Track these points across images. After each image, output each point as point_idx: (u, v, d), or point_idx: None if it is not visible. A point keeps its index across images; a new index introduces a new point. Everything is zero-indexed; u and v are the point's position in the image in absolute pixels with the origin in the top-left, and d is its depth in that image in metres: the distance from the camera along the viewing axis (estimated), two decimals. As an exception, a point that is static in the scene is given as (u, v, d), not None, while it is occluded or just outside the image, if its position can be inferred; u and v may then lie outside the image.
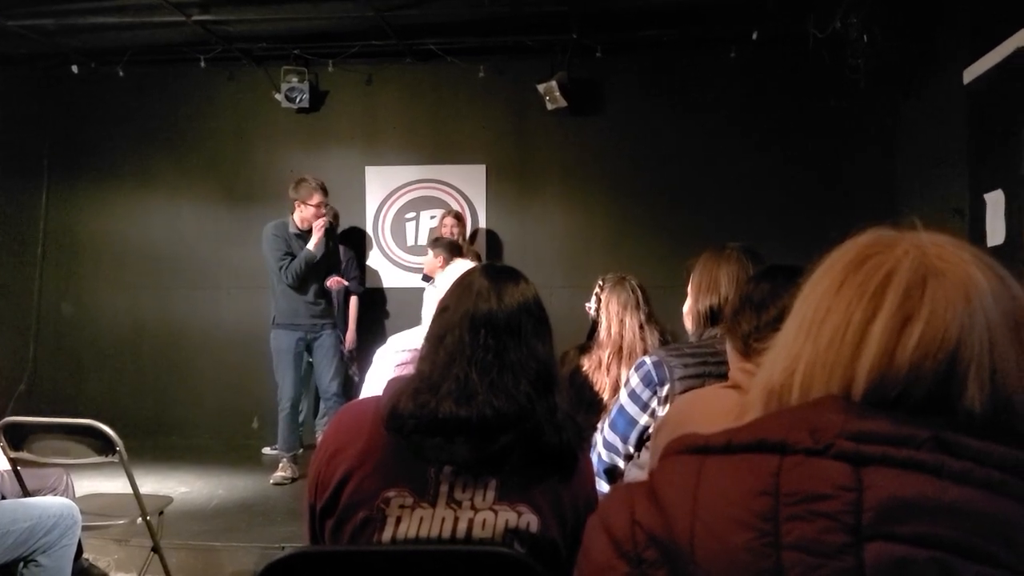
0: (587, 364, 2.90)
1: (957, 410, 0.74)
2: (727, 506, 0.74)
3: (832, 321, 0.80)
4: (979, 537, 0.67)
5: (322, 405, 5.82)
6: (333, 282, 5.55)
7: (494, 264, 1.73)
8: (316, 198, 5.28)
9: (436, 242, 5.78)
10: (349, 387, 5.82)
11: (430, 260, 5.67)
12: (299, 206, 5.30)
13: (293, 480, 5.18)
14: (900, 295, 0.77)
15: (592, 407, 2.78)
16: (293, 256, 5.26)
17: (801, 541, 0.69)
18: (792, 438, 0.74)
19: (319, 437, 5.36)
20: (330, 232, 5.48)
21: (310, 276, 5.31)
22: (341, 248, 6.04)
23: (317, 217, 5.33)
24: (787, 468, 0.73)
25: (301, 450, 5.43)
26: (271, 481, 5.20)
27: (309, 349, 5.44)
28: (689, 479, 0.78)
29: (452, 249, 5.71)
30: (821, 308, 0.81)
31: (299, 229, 5.33)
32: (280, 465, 5.30)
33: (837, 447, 0.72)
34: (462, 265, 2.36)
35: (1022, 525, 0.68)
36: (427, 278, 5.77)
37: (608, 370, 2.86)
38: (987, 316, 0.75)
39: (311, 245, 5.25)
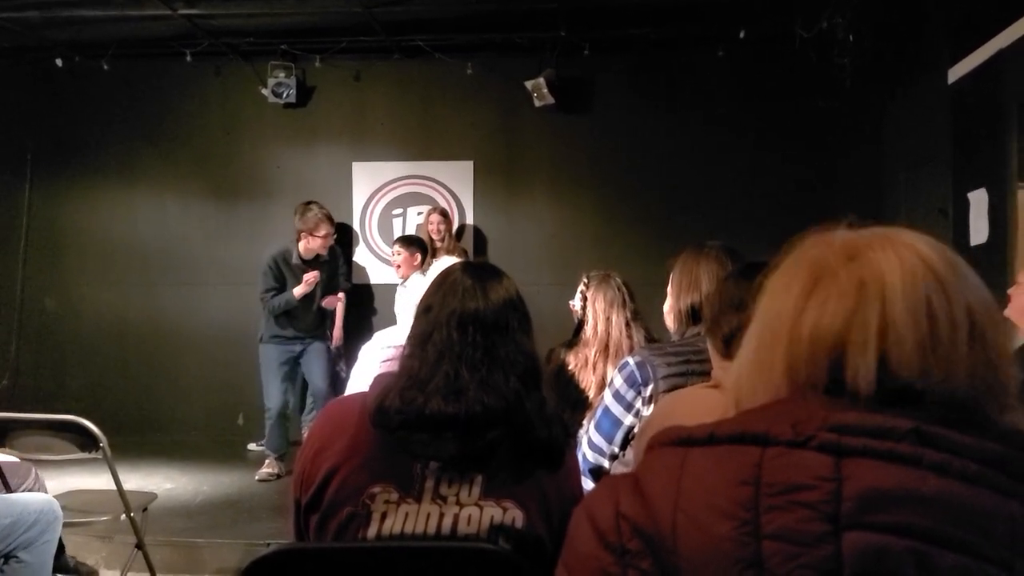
0: (573, 362, 2.90)
1: (915, 400, 0.76)
2: (709, 496, 0.75)
3: (786, 319, 0.82)
4: (956, 527, 0.69)
5: (308, 401, 5.80)
6: (328, 301, 5.53)
7: (473, 262, 1.74)
8: (323, 229, 5.23)
9: (408, 240, 5.79)
10: (336, 383, 5.81)
11: (405, 258, 5.66)
12: (305, 237, 5.24)
13: (278, 477, 5.17)
14: (827, 282, 0.80)
15: (578, 405, 2.79)
16: (280, 289, 5.24)
17: (781, 530, 0.71)
18: (774, 430, 0.75)
19: (305, 433, 5.37)
20: (331, 251, 5.47)
21: (300, 304, 5.31)
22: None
23: (324, 248, 5.31)
24: (768, 459, 0.74)
25: (288, 448, 5.42)
26: (256, 477, 5.18)
27: (299, 357, 5.44)
28: (673, 470, 0.79)
29: (422, 246, 5.75)
30: (772, 307, 0.85)
31: (302, 260, 5.29)
32: (266, 462, 5.29)
33: (819, 439, 0.73)
34: (445, 263, 2.36)
35: (998, 515, 0.70)
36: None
37: (594, 368, 2.86)
38: (930, 299, 0.77)
39: (296, 293, 5.22)
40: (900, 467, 0.71)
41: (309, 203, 5.37)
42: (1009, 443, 0.73)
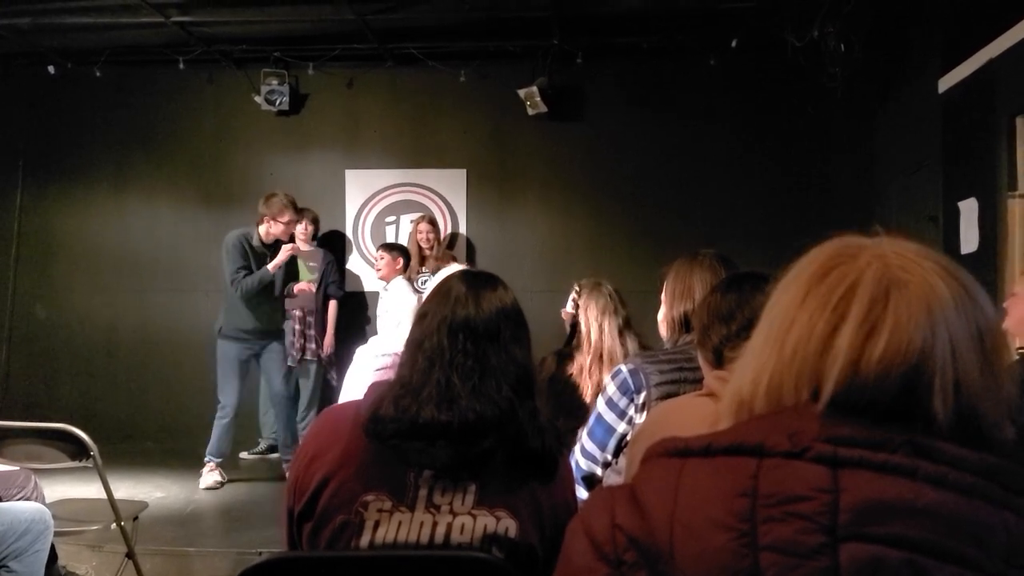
0: (567, 369, 2.90)
1: (920, 419, 0.75)
2: (706, 507, 0.75)
3: (796, 332, 0.81)
4: (952, 539, 0.69)
5: (301, 409, 5.77)
6: (300, 288, 5.49)
7: (473, 270, 1.74)
8: (287, 215, 5.20)
9: (391, 246, 5.81)
10: (328, 391, 5.80)
11: (388, 262, 5.66)
12: (268, 221, 5.20)
13: (222, 484, 5.10)
14: (864, 307, 0.78)
15: (573, 412, 2.79)
16: (250, 270, 5.16)
17: (778, 542, 0.70)
18: (771, 441, 0.75)
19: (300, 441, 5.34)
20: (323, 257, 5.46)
21: (262, 292, 5.22)
22: (321, 251, 6.02)
23: (286, 235, 5.27)
24: (765, 470, 0.74)
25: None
26: (202, 486, 5.05)
27: (256, 359, 5.34)
28: (669, 481, 0.78)
29: (405, 252, 5.81)
30: (786, 319, 0.82)
31: (263, 244, 5.24)
32: (208, 466, 5.15)
33: (815, 450, 0.73)
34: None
35: (994, 527, 0.70)
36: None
37: (589, 375, 2.86)
38: (949, 327, 0.77)
39: (271, 266, 5.15)
40: (896, 479, 0.71)
41: (273, 192, 5.34)
42: (1004, 455, 0.74)
